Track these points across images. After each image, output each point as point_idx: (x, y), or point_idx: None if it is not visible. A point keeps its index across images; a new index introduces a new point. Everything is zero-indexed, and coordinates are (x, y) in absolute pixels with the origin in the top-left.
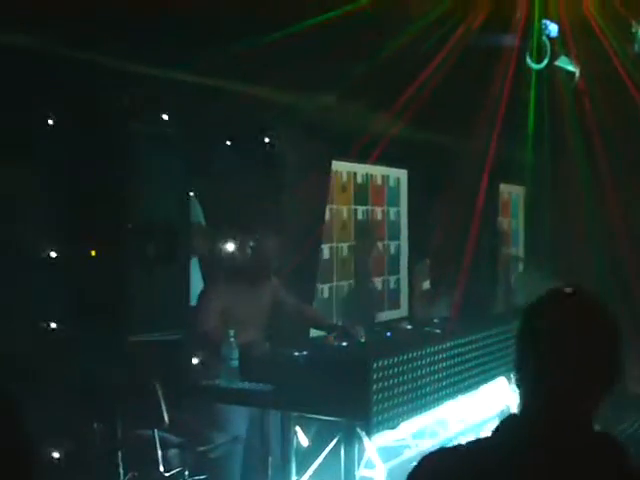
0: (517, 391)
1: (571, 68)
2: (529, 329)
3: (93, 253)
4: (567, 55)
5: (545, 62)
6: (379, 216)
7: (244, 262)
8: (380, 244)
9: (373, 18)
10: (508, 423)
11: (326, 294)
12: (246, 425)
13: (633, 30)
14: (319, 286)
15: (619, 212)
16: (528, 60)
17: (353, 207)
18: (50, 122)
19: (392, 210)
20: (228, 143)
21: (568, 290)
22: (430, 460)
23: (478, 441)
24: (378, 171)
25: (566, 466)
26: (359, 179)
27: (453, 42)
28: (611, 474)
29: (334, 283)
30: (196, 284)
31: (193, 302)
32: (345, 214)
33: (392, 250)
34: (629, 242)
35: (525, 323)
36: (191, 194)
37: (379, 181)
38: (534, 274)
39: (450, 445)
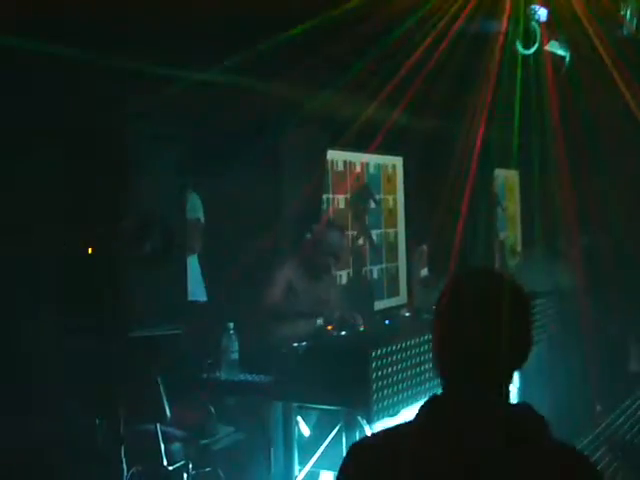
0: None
1: (561, 52)
2: (444, 311)
3: (90, 251)
4: (557, 40)
5: (535, 47)
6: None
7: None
8: (377, 232)
9: (367, 7)
10: (428, 405)
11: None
12: (247, 417)
13: (622, 12)
14: None
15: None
16: (517, 45)
17: (349, 196)
18: (47, 119)
19: (389, 198)
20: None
21: (478, 271)
22: (356, 448)
23: (405, 424)
24: (374, 159)
25: (483, 447)
26: (356, 168)
27: (444, 28)
28: (532, 449)
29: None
30: (194, 280)
31: (190, 298)
32: (342, 203)
33: (391, 237)
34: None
35: (440, 304)
36: (190, 190)
37: (374, 170)
38: (533, 258)
39: (376, 431)
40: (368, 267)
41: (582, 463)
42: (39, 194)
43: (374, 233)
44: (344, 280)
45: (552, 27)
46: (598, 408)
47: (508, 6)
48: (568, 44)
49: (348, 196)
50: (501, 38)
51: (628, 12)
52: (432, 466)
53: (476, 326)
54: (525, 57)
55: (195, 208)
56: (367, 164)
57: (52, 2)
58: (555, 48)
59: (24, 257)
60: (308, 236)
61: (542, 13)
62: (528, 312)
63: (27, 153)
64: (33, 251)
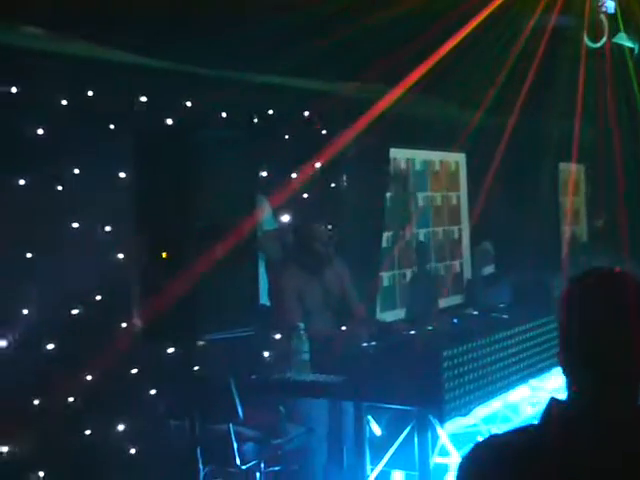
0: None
1: (630, 44)
2: (572, 313)
3: (164, 255)
4: (626, 31)
5: (603, 40)
6: (439, 202)
7: (302, 251)
8: (442, 229)
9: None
10: (555, 410)
11: (386, 282)
12: (319, 417)
13: None
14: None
15: None
16: (585, 39)
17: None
18: (117, 122)
19: (453, 195)
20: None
21: (610, 272)
22: (479, 449)
23: (526, 428)
24: (436, 156)
25: (621, 451)
26: (417, 166)
27: (511, 25)
28: None
29: (396, 271)
30: (265, 283)
31: (262, 300)
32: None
33: (455, 235)
34: None
35: (568, 306)
36: (259, 193)
37: (437, 166)
38: (597, 252)
39: (499, 433)
40: (433, 264)
41: None
42: (110, 198)
43: (438, 230)
44: (408, 277)
45: (621, 19)
46: None
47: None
48: (637, 35)
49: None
50: (569, 32)
51: None
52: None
53: (618, 331)
54: (593, 50)
55: (265, 211)
56: (431, 161)
57: (119, 12)
58: (623, 40)
59: (96, 260)
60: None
61: (610, 5)
62: None
63: (98, 156)
64: (105, 255)
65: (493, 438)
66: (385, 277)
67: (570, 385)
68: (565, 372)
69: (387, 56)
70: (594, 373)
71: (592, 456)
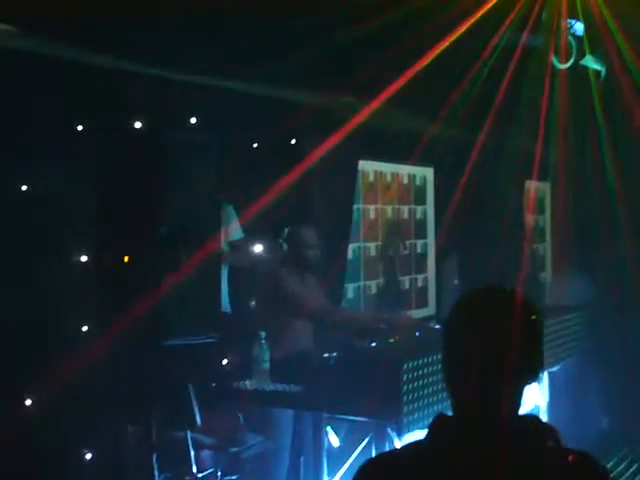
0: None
1: (596, 67)
2: (451, 329)
3: (126, 259)
4: (593, 54)
5: (571, 61)
6: (406, 215)
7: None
8: (407, 243)
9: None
10: (440, 424)
11: (350, 294)
12: (283, 426)
13: None
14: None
15: None
16: (553, 59)
17: (380, 206)
18: (82, 128)
19: (419, 209)
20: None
21: (489, 289)
22: (369, 466)
23: (416, 443)
24: (404, 170)
25: (499, 462)
26: (387, 178)
27: (481, 42)
28: (543, 456)
29: (361, 282)
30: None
31: (224, 308)
32: (372, 214)
33: (419, 249)
34: None
35: (448, 322)
36: (225, 202)
37: (405, 180)
38: (563, 271)
39: (388, 450)
40: (399, 277)
41: (588, 464)
42: (75, 202)
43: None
44: (373, 290)
45: (589, 41)
46: (604, 422)
47: (544, 20)
48: (604, 58)
49: (379, 206)
50: (537, 52)
51: None
52: None
53: (485, 345)
54: (560, 71)
55: (230, 220)
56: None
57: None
58: (590, 63)
59: (57, 263)
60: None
61: (578, 28)
62: (538, 330)
63: (62, 160)
64: (67, 257)
65: (382, 455)
66: (350, 288)
67: (452, 399)
68: (447, 387)
69: (359, 69)
70: (471, 387)
71: (477, 466)
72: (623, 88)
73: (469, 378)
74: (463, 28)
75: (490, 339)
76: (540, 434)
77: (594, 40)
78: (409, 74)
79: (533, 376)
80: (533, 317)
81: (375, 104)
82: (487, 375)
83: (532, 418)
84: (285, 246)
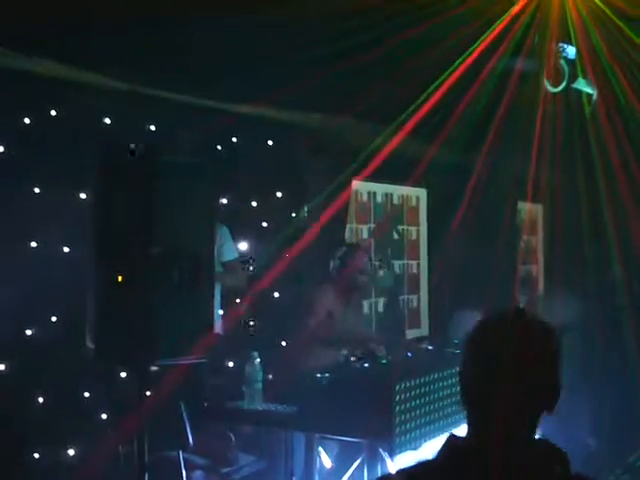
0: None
1: (589, 90)
2: (472, 352)
3: (120, 279)
4: (585, 77)
5: (563, 85)
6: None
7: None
8: (399, 263)
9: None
10: (453, 445)
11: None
12: (269, 447)
13: None
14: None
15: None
16: (545, 83)
17: (373, 226)
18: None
19: (412, 229)
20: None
21: (511, 312)
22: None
23: (426, 463)
24: (397, 190)
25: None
26: (379, 199)
27: (473, 65)
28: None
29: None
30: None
31: (217, 330)
32: (365, 233)
33: (413, 269)
34: None
35: (468, 346)
36: (218, 222)
37: (398, 201)
38: (556, 291)
39: (404, 467)
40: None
41: None
42: (68, 220)
43: (396, 264)
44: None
45: (580, 65)
46: (591, 443)
47: (536, 44)
48: (595, 82)
49: (371, 226)
50: (530, 75)
51: None
52: None
53: (504, 372)
54: (553, 94)
55: (225, 235)
56: (391, 195)
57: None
58: (582, 86)
59: (55, 284)
60: (333, 262)
61: (570, 51)
62: (557, 356)
63: (57, 179)
64: (63, 278)
65: (398, 471)
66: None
67: (467, 421)
68: (464, 409)
69: (354, 89)
70: (483, 411)
71: None
72: (612, 111)
73: (486, 400)
74: (463, 57)
75: (509, 362)
76: (549, 459)
77: (585, 64)
78: (407, 99)
79: (549, 402)
80: (553, 341)
81: (370, 125)
82: (504, 398)
83: (543, 443)
84: (338, 263)
